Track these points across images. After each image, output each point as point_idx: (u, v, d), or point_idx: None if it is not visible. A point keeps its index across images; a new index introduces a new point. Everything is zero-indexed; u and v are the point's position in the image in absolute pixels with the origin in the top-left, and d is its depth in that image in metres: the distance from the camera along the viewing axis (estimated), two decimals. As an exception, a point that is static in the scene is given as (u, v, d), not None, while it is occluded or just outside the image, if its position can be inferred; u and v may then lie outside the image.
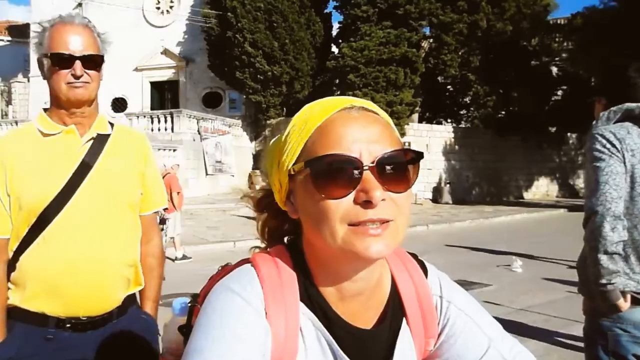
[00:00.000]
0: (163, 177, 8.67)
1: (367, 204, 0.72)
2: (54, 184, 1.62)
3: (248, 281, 0.78)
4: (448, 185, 21.29)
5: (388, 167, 0.73)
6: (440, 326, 0.87)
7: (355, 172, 0.72)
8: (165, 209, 8.06)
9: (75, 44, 1.62)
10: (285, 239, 0.89)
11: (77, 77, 1.62)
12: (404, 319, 0.86)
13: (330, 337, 0.78)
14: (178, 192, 8.86)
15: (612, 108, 2.05)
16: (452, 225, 14.49)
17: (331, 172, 0.73)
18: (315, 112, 0.79)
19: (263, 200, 0.90)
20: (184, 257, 9.02)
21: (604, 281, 1.88)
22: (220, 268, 0.89)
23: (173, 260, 8.84)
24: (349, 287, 0.80)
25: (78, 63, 1.62)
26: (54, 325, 1.62)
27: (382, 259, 0.77)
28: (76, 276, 1.61)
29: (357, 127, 0.75)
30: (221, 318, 0.73)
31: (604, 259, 1.87)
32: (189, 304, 0.91)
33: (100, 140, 1.72)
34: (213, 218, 14.19)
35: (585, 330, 2.12)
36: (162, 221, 8.59)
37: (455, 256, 9.33)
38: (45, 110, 1.74)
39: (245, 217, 12.64)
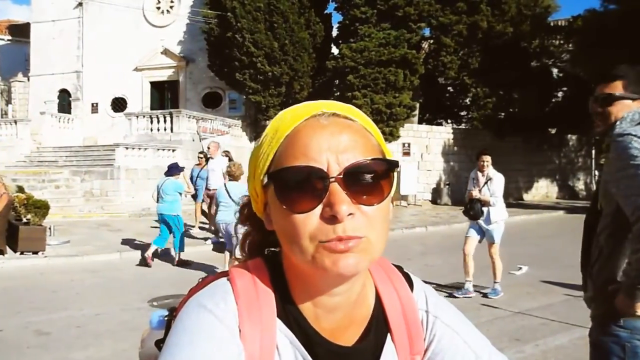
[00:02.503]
0: None
1: (333, 219, 0.67)
2: None
3: (221, 297, 0.74)
4: (447, 186, 21.28)
5: (358, 179, 0.69)
6: (426, 342, 0.84)
7: (321, 184, 0.68)
8: None
9: None
10: (266, 251, 0.85)
11: None
12: (389, 334, 0.82)
13: (308, 356, 0.75)
14: None
15: (637, 110, 2.04)
16: (451, 227, 14.46)
17: (295, 185, 0.69)
18: (286, 120, 0.75)
19: (244, 208, 0.86)
20: None
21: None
22: (200, 280, 0.85)
23: None
24: (326, 302, 0.76)
25: None
26: None
27: (354, 275, 0.72)
28: None
29: (325, 135, 0.71)
30: (191, 337, 0.69)
31: None
32: (166, 318, 0.88)
33: None
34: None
35: (592, 336, 2.08)
36: None
37: (453, 258, 9.29)
38: None
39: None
